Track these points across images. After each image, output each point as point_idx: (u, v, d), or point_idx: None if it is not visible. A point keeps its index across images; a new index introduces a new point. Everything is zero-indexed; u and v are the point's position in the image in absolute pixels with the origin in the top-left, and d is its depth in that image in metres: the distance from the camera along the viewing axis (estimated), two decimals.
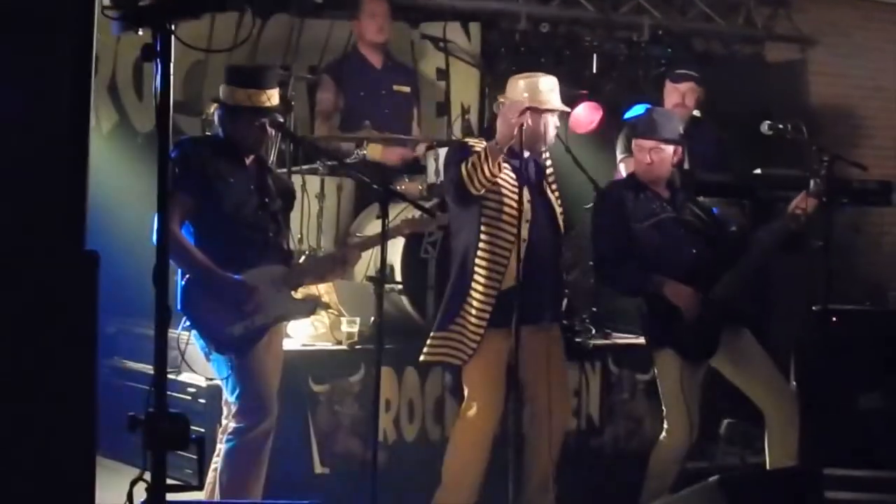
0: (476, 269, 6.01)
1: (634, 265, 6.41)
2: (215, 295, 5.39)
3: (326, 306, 6.73)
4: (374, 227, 6.86)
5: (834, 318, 7.04)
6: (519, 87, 6.09)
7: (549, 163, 6.29)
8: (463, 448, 6.15)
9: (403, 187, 7.28)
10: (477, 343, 6.01)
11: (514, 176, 6.05)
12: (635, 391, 7.45)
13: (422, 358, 6.19)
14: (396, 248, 6.82)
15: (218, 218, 5.50)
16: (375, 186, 5.60)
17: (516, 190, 6.01)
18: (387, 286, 6.26)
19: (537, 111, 6.03)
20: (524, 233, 6.00)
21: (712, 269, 6.45)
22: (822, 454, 6.55)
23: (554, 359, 6.25)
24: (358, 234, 7.26)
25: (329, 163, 7.19)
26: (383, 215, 5.35)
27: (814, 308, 7.01)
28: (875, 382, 7.05)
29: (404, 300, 6.96)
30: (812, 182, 6.49)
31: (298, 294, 5.77)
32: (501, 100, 6.09)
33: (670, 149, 6.50)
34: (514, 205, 5.99)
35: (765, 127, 7.03)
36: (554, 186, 6.28)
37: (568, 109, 6.39)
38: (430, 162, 7.23)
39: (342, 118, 7.75)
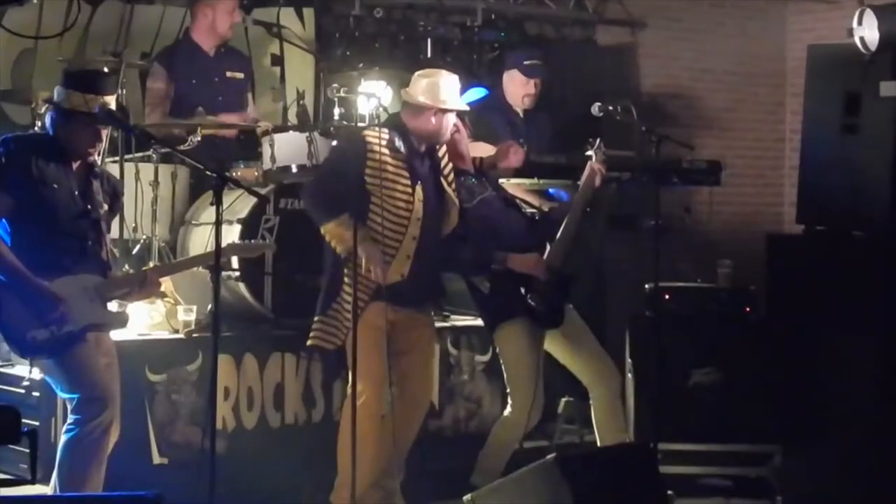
0: (358, 261, 5.97)
1: (474, 244, 6.47)
2: (21, 298, 5.29)
3: (163, 295, 6.65)
4: (208, 215, 6.81)
5: (666, 296, 7.22)
6: (420, 87, 6.24)
7: (446, 158, 6.36)
8: (349, 428, 5.91)
9: (239, 174, 7.23)
10: (349, 328, 5.98)
11: (406, 174, 6.15)
12: (474, 372, 7.50)
13: (308, 342, 6.25)
14: (233, 234, 6.76)
15: (36, 221, 5.44)
16: (209, 173, 5.53)
17: (409, 188, 6.14)
18: (224, 273, 6.23)
19: (440, 111, 6.19)
20: (415, 231, 6.13)
21: (542, 240, 6.58)
22: (656, 429, 6.70)
23: (426, 344, 6.42)
24: (193, 222, 7.20)
25: (162, 150, 7.10)
26: (217, 202, 5.29)
27: (646, 286, 7.18)
28: (706, 358, 7.24)
29: (241, 287, 6.91)
30: (590, 144, 6.73)
31: (114, 305, 5.72)
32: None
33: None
34: (404, 204, 6.12)
35: (595, 108, 7.16)
36: (451, 179, 6.35)
37: (467, 108, 6.51)
38: (265, 148, 7.18)
39: (174, 105, 7.66)
